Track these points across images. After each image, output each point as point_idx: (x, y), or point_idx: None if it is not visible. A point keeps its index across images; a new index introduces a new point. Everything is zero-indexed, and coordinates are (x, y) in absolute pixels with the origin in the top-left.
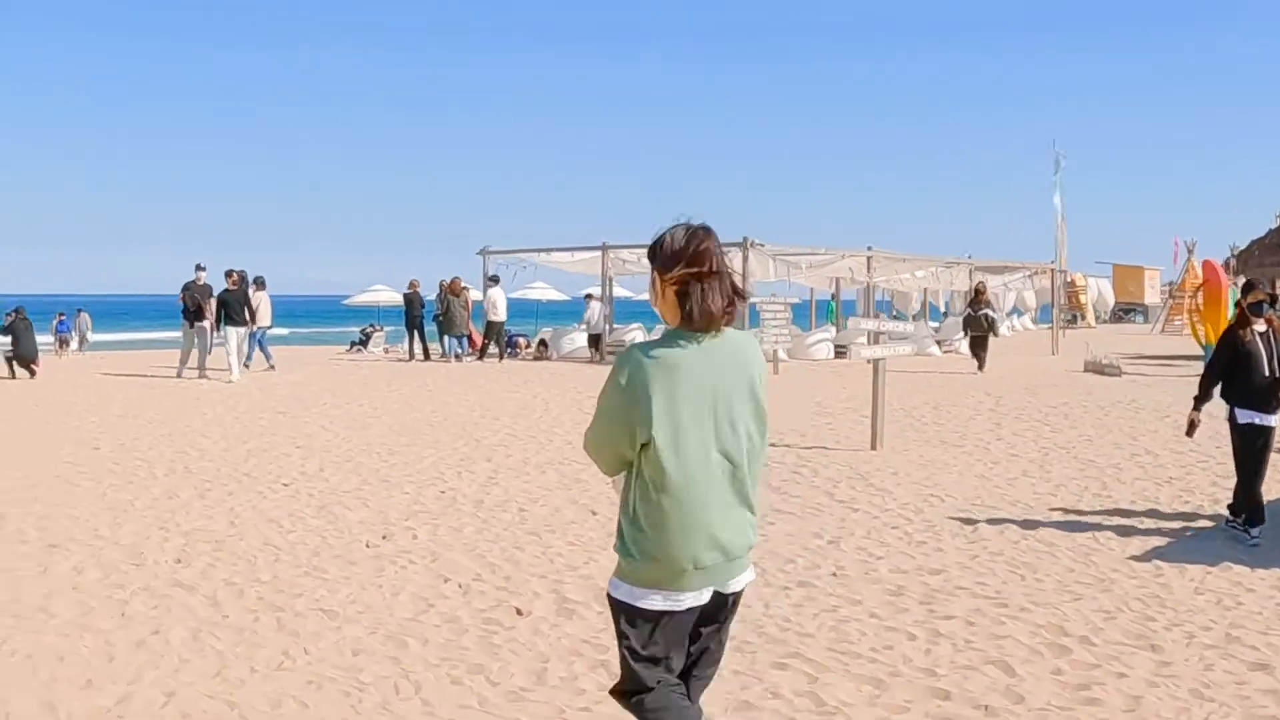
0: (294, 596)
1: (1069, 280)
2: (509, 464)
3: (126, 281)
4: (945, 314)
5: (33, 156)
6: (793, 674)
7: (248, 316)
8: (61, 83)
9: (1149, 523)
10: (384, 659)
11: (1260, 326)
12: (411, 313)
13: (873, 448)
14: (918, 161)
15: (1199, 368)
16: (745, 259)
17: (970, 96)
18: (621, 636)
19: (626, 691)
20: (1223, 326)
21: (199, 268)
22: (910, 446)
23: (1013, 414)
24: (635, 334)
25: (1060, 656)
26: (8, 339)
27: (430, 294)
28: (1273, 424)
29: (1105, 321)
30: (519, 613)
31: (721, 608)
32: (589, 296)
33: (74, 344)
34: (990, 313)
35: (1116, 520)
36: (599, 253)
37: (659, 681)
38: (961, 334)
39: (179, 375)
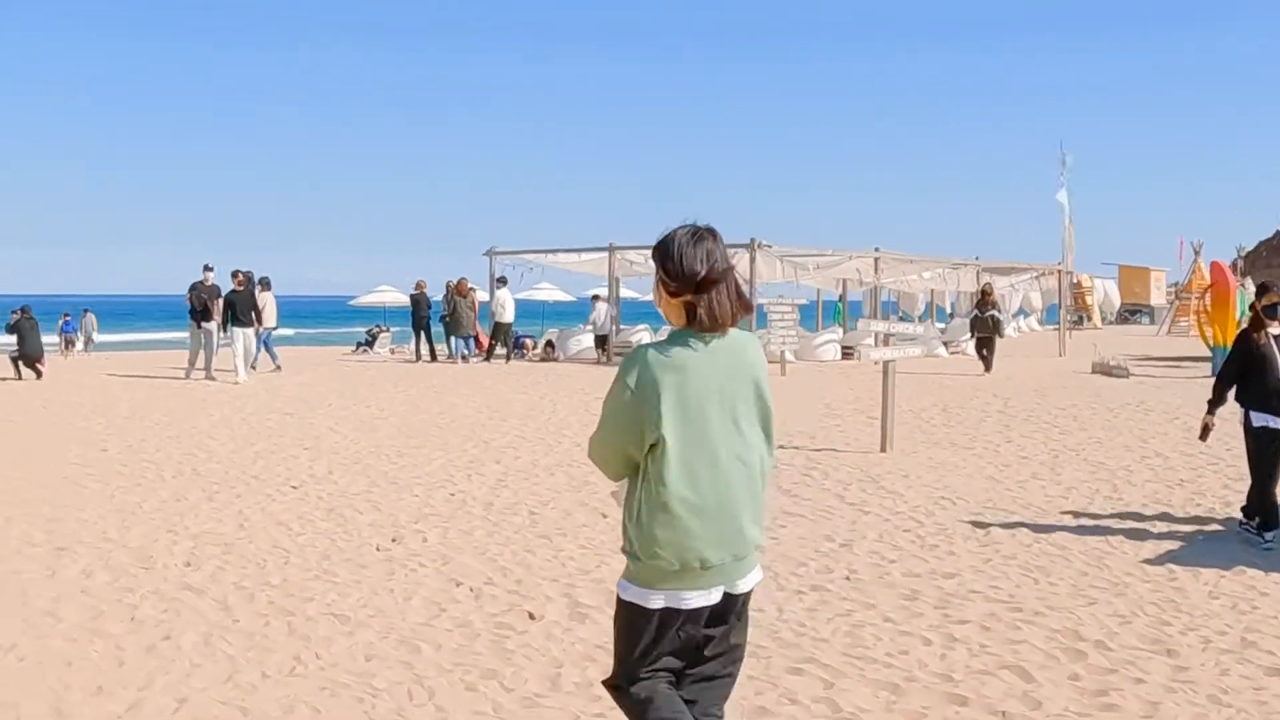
0: (305, 600)
1: (1075, 281)
2: (518, 466)
3: (126, 282)
4: (951, 315)
5: (33, 156)
6: (808, 679)
7: (254, 317)
8: (61, 83)
9: (1161, 526)
10: (396, 664)
11: (1275, 329)
12: (418, 314)
13: (882, 450)
14: (924, 162)
15: (1206, 369)
16: (752, 260)
17: (977, 97)
18: (623, 631)
19: (619, 685)
20: (1230, 328)
21: (206, 268)
22: (920, 449)
23: (1021, 416)
24: (642, 335)
25: (1076, 661)
26: (13, 339)
27: (437, 295)
28: None
29: (1111, 323)
30: (531, 617)
31: (730, 609)
32: (596, 298)
33: (79, 344)
34: (996, 314)
35: (1129, 523)
36: (605, 254)
37: (650, 677)
38: (968, 335)
39: (188, 376)
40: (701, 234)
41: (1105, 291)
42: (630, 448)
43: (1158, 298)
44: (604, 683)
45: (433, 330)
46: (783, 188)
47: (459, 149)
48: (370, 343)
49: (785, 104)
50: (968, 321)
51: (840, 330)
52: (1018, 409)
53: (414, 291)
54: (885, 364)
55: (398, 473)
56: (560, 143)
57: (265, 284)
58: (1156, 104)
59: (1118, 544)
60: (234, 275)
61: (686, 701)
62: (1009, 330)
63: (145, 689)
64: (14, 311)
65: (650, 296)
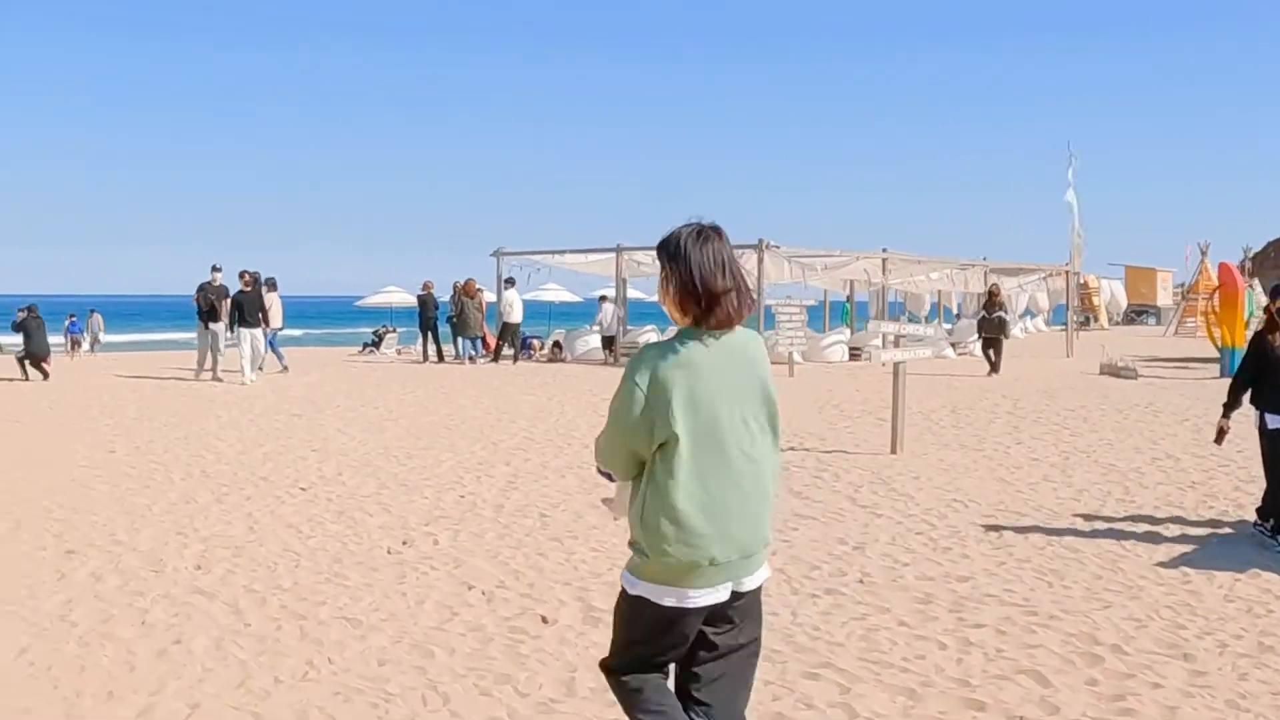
0: (317, 604)
1: (1082, 282)
2: (528, 468)
3: (126, 282)
4: (958, 316)
5: (33, 156)
6: (824, 684)
7: (261, 318)
8: (61, 83)
9: (1174, 528)
10: (410, 669)
11: None
12: (425, 314)
13: (892, 451)
14: (932, 163)
15: (1215, 370)
16: (760, 261)
17: (983, 97)
18: (625, 623)
19: (615, 669)
20: (1239, 329)
21: (215, 269)
22: (930, 450)
23: (1031, 417)
24: (649, 335)
25: (1093, 666)
26: (19, 339)
27: (444, 295)
28: None
29: (1118, 323)
30: (544, 621)
31: (738, 605)
32: (603, 298)
33: (85, 345)
34: (1003, 315)
35: (1141, 526)
36: (613, 254)
37: (647, 669)
38: (976, 336)
39: (197, 377)
40: (706, 233)
41: (1112, 292)
42: (639, 447)
43: (1164, 298)
44: (600, 664)
45: (440, 331)
46: (790, 188)
47: (461, 149)
48: (377, 343)
49: (793, 105)
50: (975, 322)
51: (847, 331)
52: (1027, 410)
53: (421, 292)
54: (895, 365)
55: (407, 474)
56: (565, 144)
57: (271, 285)
58: (1161, 104)
59: (1131, 547)
60: (241, 276)
61: (701, 703)
62: (1016, 331)
63: (157, 694)
64: (20, 310)
65: (656, 297)
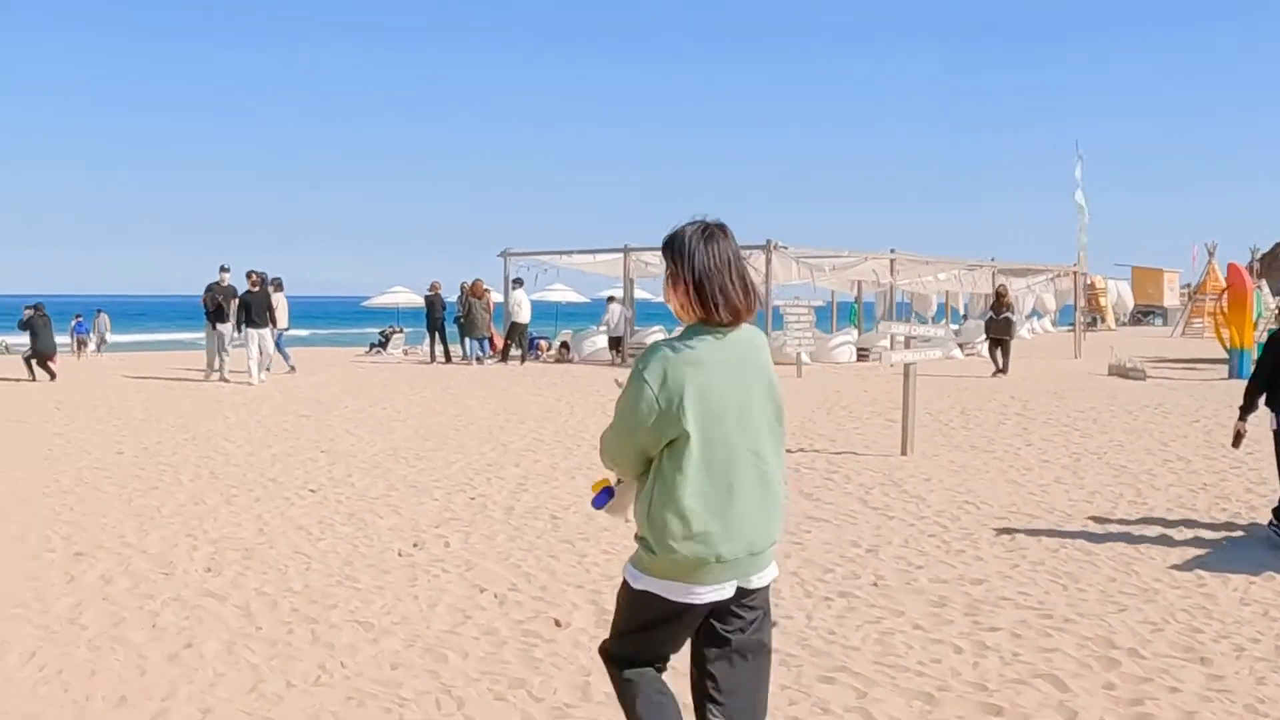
0: (328, 607)
1: (1089, 283)
2: (537, 469)
3: (126, 282)
4: (965, 316)
5: (33, 156)
6: (840, 688)
7: (269, 318)
8: (61, 83)
9: (1187, 530)
10: (423, 673)
11: None
12: (433, 315)
13: (903, 453)
14: (939, 164)
15: (1223, 371)
16: (768, 261)
17: (989, 98)
18: (627, 614)
19: (614, 657)
20: (1247, 330)
21: (223, 269)
22: (940, 452)
23: (1040, 418)
24: (656, 336)
25: (1110, 670)
26: (25, 340)
27: (451, 296)
28: None
29: (1124, 324)
30: (558, 624)
31: (744, 603)
32: (611, 299)
33: (91, 345)
34: (1010, 315)
35: (1154, 528)
36: (620, 255)
37: (645, 663)
38: (983, 336)
39: (207, 378)
40: (712, 230)
41: (1118, 293)
42: (648, 445)
43: (1171, 299)
44: (600, 648)
45: (447, 331)
46: (798, 189)
47: (463, 149)
48: (384, 344)
49: (801, 105)
50: (982, 323)
51: (855, 332)
52: (1036, 411)
53: (429, 293)
54: (906, 367)
55: (416, 476)
56: (570, 144)
57: (278, 285)
58: (1167, 104)
59: (1145, 550)
60: (248, 276)
61: (719, 703)
62: (1023, 332)
63: (169, 699)
64: (27, 308)
65: (662, 297)
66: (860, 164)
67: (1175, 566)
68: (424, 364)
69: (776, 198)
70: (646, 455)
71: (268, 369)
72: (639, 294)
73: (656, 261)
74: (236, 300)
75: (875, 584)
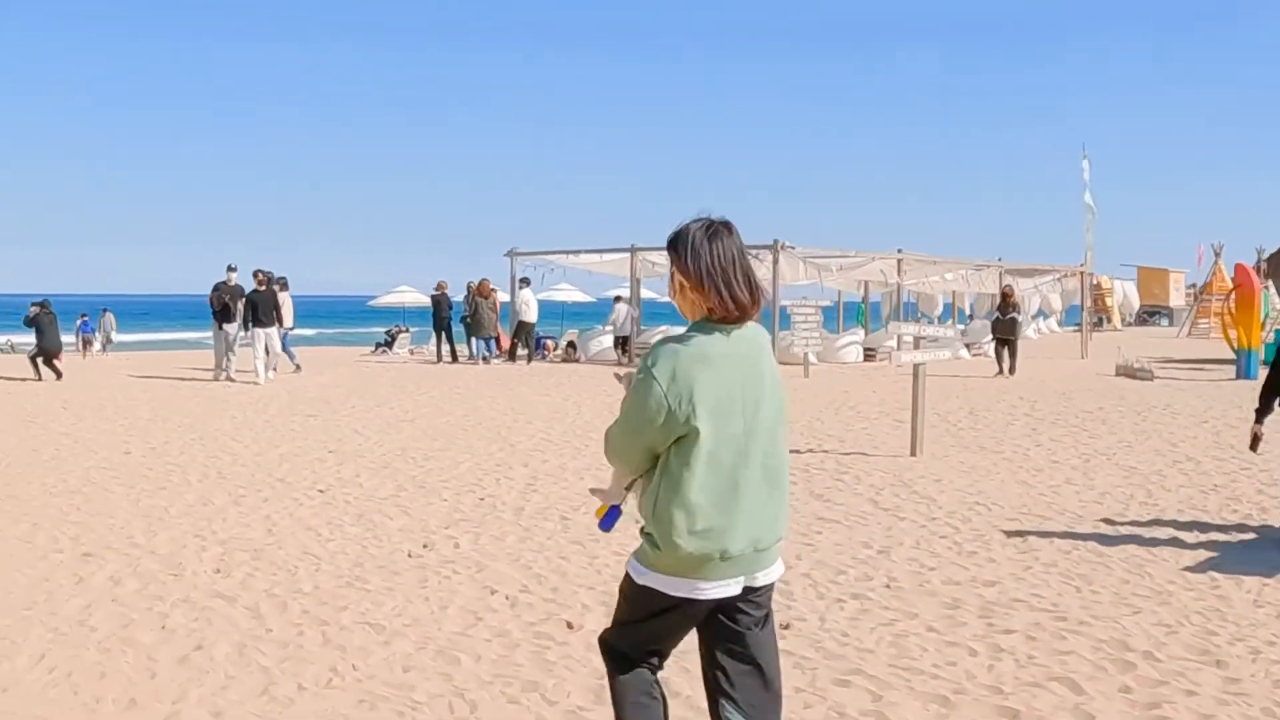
0: (339, 609)
1: (1095, 283)
2: (546, 470)
3: (126, 281)
4: (971, 317)
5: (33, 156)
6: (856, 691)
7: (276, 317)
8: (61, 83)
9: (1199, 532)
10: (435, 676)
11: None
12: (439, 314)
13: (912, 454)
14: (946, 165)
15: (1230, 372)
16: (775, 261)
17: (994, 98)
18: (631, 608)
19: (613, 647)
20: (1255, 330)
21: (230, 268)
22: (949, 452)
23: (1049, 419)
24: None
25: (1126, 673)
26: (30, 338)
27: (457, 295)
28: None
29: (1130, 324)
30: (570, 626)
31: (752, 600)
32: (618, 299)
33: (97, 344)
34: (1016, 316)
35: (1166, 530)
36: (627, 254)
37: (641, 660)
38: (990, 337)
39: (216, 378)
40: (716, 228)
41: (1124, 293)
42: (657, 441)
43: (1176, 299)
44: (600, 637)
45: (454, 331)
46: (806, 189)
47: (465, 149)
48: (389, 343)
49: (808, 106)
50: (989, 323)
51: (862, 332)
52: (1045, 412)
53: (435, 292)
54: (915, 367)
55: (425, 476)
56: (575, 144)
57: (283, 284)
58: (1173, 104)
59: (1157, 551)
60: (255, 275)
61: (732, 698)
62: (1029, 332)
63: (179, 702)
64: (33, 305)
65: (668, 296)
66: (867, 164)
67: (1188, 569)
68: (430, 364)
69: (784, 197)
70: (654, 452)
71: (274, 369)
72: (645, 294)
73: (663, 261)
74: (244, 300)
75: (888, 586)
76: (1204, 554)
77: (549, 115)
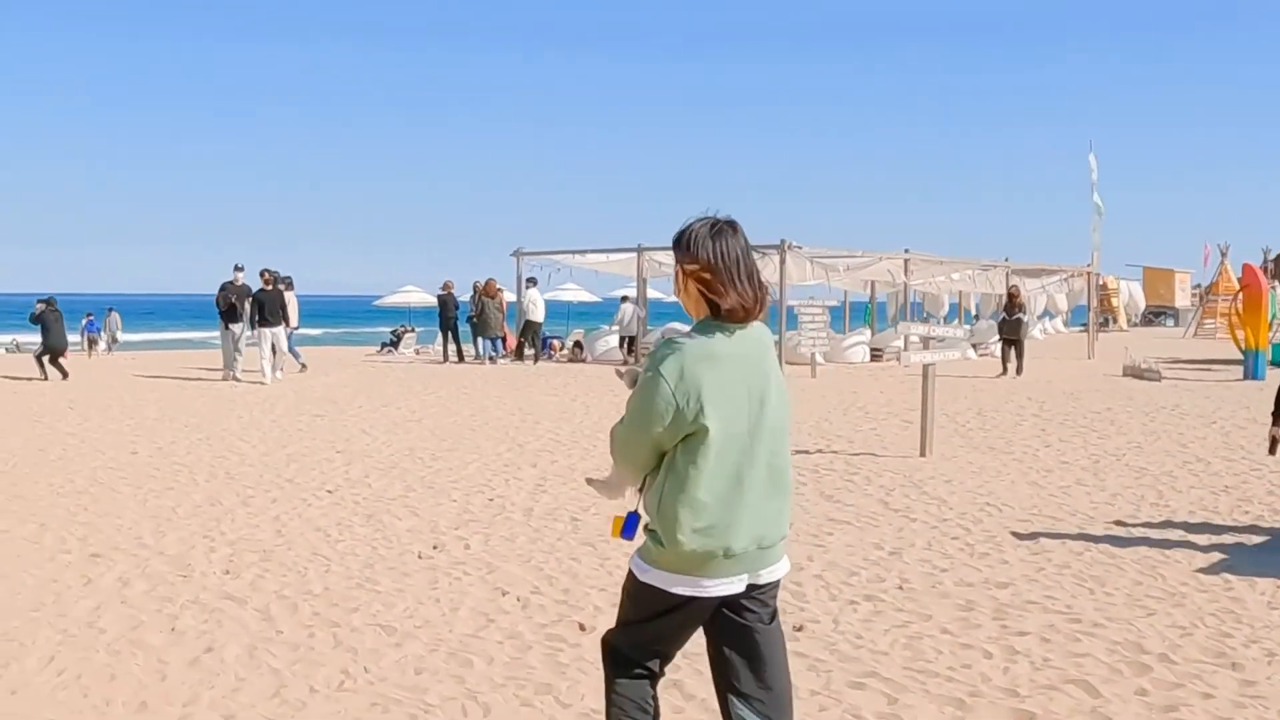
0: (349, 611)
1: (1101, 283)
2: (555, 470)
3: (126, 281)
4: (977, 317)
5: (33, 156)
6: (871, 694)
7: (283, 317)
8: (61, 83)
9: (1211, 534)
10: (448, 678)
11: None
12: (445, 314)
13: (922, 454)
14: (953, 165)
15: (1238, 372)
16: (783, 261)
17: (999, 98)
18: (634, 606)
19: (616, 647)
20: (1263, 331)
21: (237, 268)
22: (959, 453)
23: (1057, 419)
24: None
25: (1141, 675)
26: (36, 338)
27: (464, 295)
28: None
29: (1136, 324)
30: (582, 628)
31: (756, 597)
32: (625, 299)
33: (102, 344)
34: (1022, 316)
35: (1178, 531)
36: (634, 254)
37: (645, 661)
38: (998, 337)
39: (224, 379)
40: (721, 226)
41: (1130, 293)
42: (664, 440)
43: (1182, 299)
44: (603, 638)
45: (460, 330)
46: (813, 189)
47: (472, 150)
48: (395, 343)
49: (815, 106)
50: (995, 323)
51: (869, 332)
52: (1053, 412)
53: (441, 292)
54: (925, 368)
55: (433, 477)
56: (581, 144)
57: (288, 284)
58: (1179, 105)
59: (1169, 553)
60: (262, 274)
61: (742, 694)
62: (1035, 332)
63: (190, 704)
64: (39, 302)
65: (674, 295)
66: (874, 164)
67: (1201, 570)
68: (436, 363)
69: (791, 197)
70: (660, 450)
71: (280, 369)
72: (651, 293)
73: (670, 261)
74: (250, 299)
75: (901, 587)
76: (1217, 556)
77: (554, 115)
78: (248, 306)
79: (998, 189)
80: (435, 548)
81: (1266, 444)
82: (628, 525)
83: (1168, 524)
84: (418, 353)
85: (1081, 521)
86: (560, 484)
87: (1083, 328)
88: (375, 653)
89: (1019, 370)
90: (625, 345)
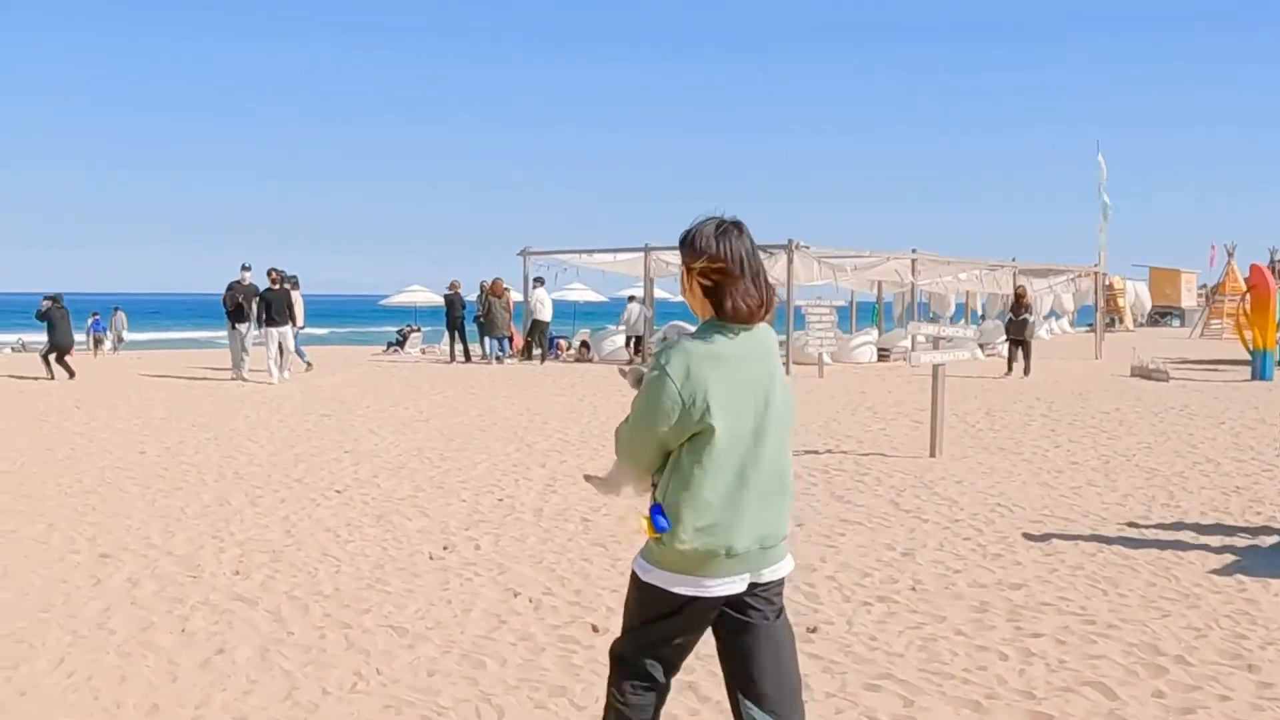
0: (361, 612)
1: (1108, 284)
2: (564, 470)
3: (126, 281)
4: (983, 317)
5: (33, 156)
6: (887, 696)
7: (290, 316)
8: (61, 83)
9: (1222, 535)
10: (461, 680)
11: None
12: (452, 314)
13: (932, 455)
14: (960, 166)
15: (1245, 373)
16: (790, 261)
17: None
18: (638, 609)
19: (623, 656)
20: (1271, 331)
21: (244, 268)
22: (968, 453)
23: (1066, 420)
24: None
25: (1158, 677)
26: (41, 337)
27: (470, 295)
28: None
29: (1142, 325)
30: (595, 630)
31: (759, 595)
32: (632, 298)
33: (108, 343)
34: (1029, 316)
35: (1190, 532)
36: (641, 254)
37: (652, 671)
38: (1005, 338)
39: (233, 379)
40: (727, 227)
41: (1136, 293)
42: (670, 440)
43: (1188, 300)
44: (610, 649)
45: (467, 330)
46: (820, 189)
47: (477, 150)
48: (401, 342)
49: (822, 106)
50: (1001, 324)
51: (875, 332)
52: (1062, 413)
53: (448, 291)
54: (935, 368)
55: (443, 477)
56: (587, 144)
57: (294, 283)
58: (1185, 105)
59: (1182, 554)
60: (269, 274)
61: (751, 695)
62: (1041, 332)
63: (202, 707)
64: (45, 299)
65: (681, 296)
66: (881, 163)
67: (1214, 571)
68: (443, 363)
69: (798, 197)
70: (666, 450)
71: (288, 369)
72: (658, 293)
73: (677, 261)
74: (258, 299)
75: (914, 588)
76: (1229, 557)
77: (559, 116)
78: (255, 306)
79: (1005, 189)
80: (446, 548)
81: (1276, 443)
82: (657, 516)
83: (1180, 525)
84: (423, 352)
85: (1093, 522)
86: (570, 484)
87: (1089, 328)
88: (388, 654)
89: (1026, 371)
90: (632, 345)
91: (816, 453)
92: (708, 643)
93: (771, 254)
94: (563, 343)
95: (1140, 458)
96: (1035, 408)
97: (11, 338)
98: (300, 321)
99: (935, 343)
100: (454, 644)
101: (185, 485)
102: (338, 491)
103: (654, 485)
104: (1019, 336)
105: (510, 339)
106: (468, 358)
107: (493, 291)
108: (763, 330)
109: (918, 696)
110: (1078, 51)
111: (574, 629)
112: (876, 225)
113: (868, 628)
